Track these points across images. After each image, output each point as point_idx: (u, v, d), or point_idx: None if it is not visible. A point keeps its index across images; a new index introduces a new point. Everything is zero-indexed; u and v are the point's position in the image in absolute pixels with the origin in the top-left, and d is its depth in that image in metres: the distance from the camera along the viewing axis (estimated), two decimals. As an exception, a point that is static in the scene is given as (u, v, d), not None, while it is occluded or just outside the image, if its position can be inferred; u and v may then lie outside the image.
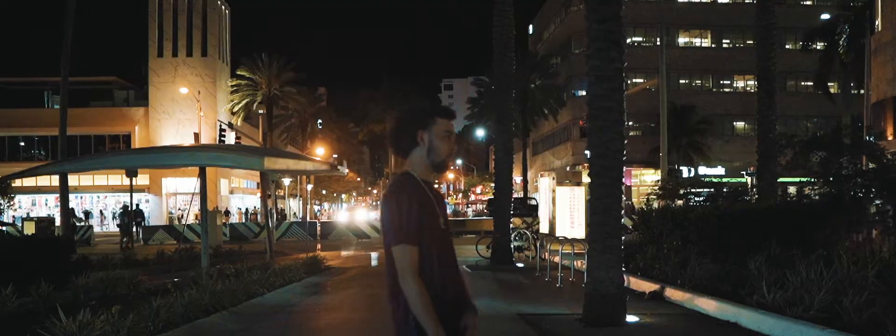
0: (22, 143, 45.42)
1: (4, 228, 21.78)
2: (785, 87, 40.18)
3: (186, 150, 12.32)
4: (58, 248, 10.20)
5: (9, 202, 32.50)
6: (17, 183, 34.27)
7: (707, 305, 7.90)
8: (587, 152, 7.32)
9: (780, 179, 13.69)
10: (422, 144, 2.51)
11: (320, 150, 50.58)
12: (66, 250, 10.61)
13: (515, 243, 15.37)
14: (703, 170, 39.83)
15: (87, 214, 40.08)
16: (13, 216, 34.82)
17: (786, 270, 7.68)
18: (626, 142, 7.14)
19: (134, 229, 25.37)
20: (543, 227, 18.16)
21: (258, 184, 35.74)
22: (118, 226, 26.73)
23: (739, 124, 43.75)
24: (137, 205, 27.31)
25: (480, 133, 51.98)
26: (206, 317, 7.61)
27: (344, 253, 19.19)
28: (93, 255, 16.02)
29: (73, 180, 41.57)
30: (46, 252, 9.88)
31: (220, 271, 11.51)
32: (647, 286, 9.43)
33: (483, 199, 61.73)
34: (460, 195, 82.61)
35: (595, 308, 6.91)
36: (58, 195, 21.49)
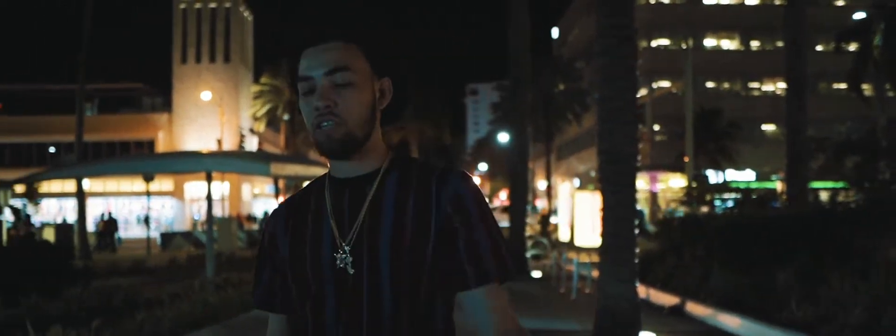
0: (52, 150, 45.97)
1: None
2: (817, 89, 39.05)
3: (192, 156, 12.05)
4: (55, 256, 9.92)
5: (36, 207, 32.79)
6: (44, 188, 34.62)
7: (730, 322, 7.33)
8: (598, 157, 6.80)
9: (813, 184, 13.00)
10: None
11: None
12: (64, 257, 10.33)
13: (533, 252, 14.85)
14: (732, 174, 38.82)
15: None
16: (40, 222, 35.12)
17: (817, 284, 7.09)
18: (641, 146, 6.64)
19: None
20: (563, 235, 17.60)
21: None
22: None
23: (770, 128, 42.64)
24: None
25: (503, 138, 51.43)
26: (194, 331, 7.22)
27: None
28: (103, 262, 15.89)
29: (99, 186, 42.04)
30: (42, 259, 9.60)
31: (225, 280, 11.18)
32: (667, 299, 8.86)
33: (506, 204, 61.04)
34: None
35: (606, 325, 6.38)
36: (80, 200, 21.42)
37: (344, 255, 1.29)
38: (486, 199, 1.36)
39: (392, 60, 1.32)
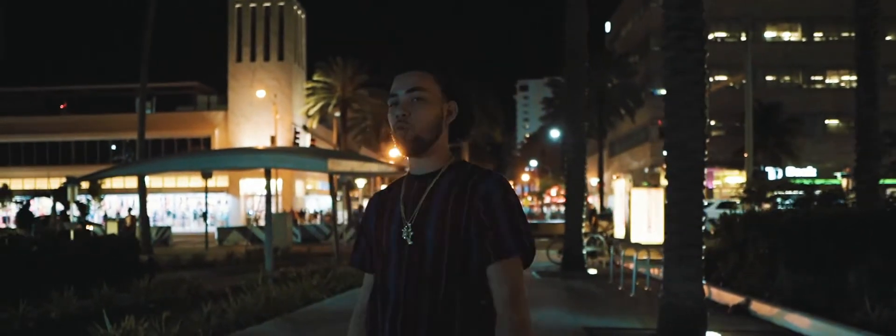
0: (113, 147, 47.55)
1: (92, 228, 22.55)
2: (887, 81, 37.47)
3: (251, 152, 12.26)
4: (122, 249, 10.23)
5: (99, 202, 33.98)
6: (107, 184, 35.90)
7: (799, 322, 7.09)
8: (665, 153, 6.65)
9: (883, 181, 12.48)
10: None
11: (395, 152, 50.75)
12: (131, 251, 10.64)
13: (588, 249, 14.68)
14: (792, 171, 37.71)
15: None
16: (103, 216, 36.37)
17: (891, 285, 6.82)
18: (707, 141, 6.45)
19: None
20: (619, 232, 17.35)
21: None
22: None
23: (832, 123, 41.22)
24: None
25: (555, 134, 50.98)
26: (258, 324, 7.36)
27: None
28: (166, 256, 16.35)
29: (157, 182, 43.31)
30: (111, 253, 9.92)
31: (283, 275, 11.40)
32: (731, 298, 8.65)
33: (558, 201, 60.54)
34: (534, 197, 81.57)
35: (670, 324, 6.25)
36: (141, 196, 22.07)
37: (406, 230, 1.71)
38: (516, 196, 1.73)
39: (459, 87, 1.80)
